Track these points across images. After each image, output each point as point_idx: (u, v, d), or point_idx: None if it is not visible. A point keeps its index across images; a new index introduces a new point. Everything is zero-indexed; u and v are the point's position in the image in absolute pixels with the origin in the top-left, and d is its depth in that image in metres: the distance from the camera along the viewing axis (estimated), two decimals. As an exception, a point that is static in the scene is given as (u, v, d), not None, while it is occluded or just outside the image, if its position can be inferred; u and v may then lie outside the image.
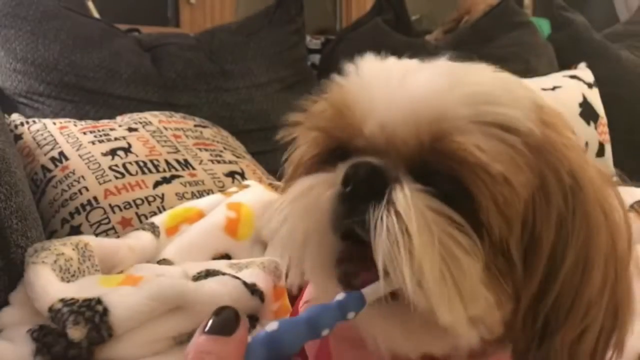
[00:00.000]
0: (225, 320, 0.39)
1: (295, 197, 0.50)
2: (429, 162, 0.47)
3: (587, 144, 2.02)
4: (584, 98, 2.11)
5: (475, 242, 0.45)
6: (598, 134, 2.08)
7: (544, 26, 2.68)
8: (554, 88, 2.07)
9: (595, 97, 2.15)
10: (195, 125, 1.63)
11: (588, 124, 2.07)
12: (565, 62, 2.37)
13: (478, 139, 0.45)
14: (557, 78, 2.17)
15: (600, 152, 2.07)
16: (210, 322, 0.40)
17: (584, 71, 2.23)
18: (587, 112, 2.09)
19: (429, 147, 0.47)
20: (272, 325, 0.40)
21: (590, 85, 2.17)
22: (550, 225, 0.46)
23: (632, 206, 1.09)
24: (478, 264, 0.44)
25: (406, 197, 0.45)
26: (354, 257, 0.47)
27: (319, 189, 0.48)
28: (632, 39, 2.62)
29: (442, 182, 0.46)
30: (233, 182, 1.46)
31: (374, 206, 0.45)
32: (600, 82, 2.20)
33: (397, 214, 0.44)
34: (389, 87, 0.49)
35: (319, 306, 0.42)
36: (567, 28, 2.51)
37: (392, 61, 0.53)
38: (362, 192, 0.46)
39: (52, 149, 1.40)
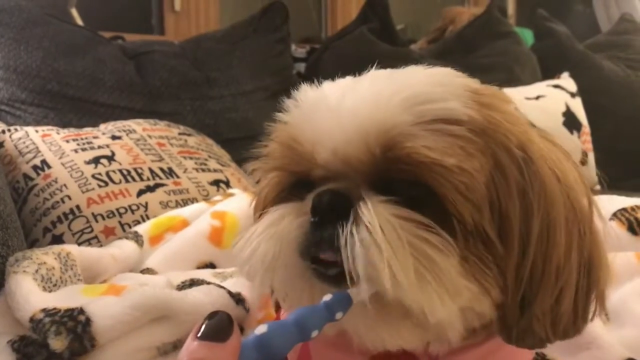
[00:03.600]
0: (219, 326, 0.39)
1: (266, 226, 0.51)
2: (387, 172, 0.49)
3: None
4: (567, 107, 2.13)
5: (447, 239, 0.46)
6: (581, 142, 2.10)
7: (527, 36, 2.71)
8: (537, 97, 2.09)
9: (578, 107, 2.17)
10: (179, 133, 1.62)
11: (571, 132, 2.09)
12: (548, 72, 2.39)
13: (425, 139, 0.47)
14: (541, 87, 2.19)
15: (584, 161, 2.09)
16: (204, 327, 0.39)
17: (567, 81, 2.25)
18: (571, 121, 2.11)
19: (382, 159, 0.48)
20: (261, 328, 0.40)
21: (573, 95, 2.19)
22: (513, 199, 0.48)
23: (614, 214, 1.09)
24: (453, 259, 0.46)
25: (370, 210, 0.46)
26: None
27: (289, 218, 0.50)
28: (614, 49, 2.65)
29: (404, 189, 0.48)
30: (218, 190, 1.45)
31: (342, 226, 0.46)
32: (583, 92, 2.22)
33: (366, 227, 0.45)
34: (329, 111, 0.50)
35: (307, 308, 0.43)
36: (550, 38, 2.54)
37: (327, 85, 0.55)
38: (331, 219, 0.47)
39: (34, 157, 1.38)
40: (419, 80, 0.51)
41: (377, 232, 0.45)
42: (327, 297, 0.43)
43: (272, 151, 0.56)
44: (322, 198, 0.48)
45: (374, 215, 0.46)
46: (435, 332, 0.49)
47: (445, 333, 0.49)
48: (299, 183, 0.54)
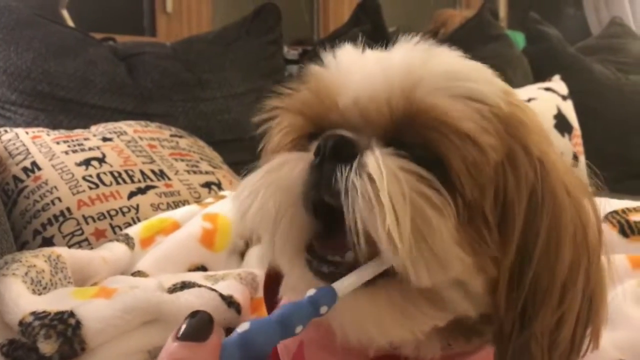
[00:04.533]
0: (199, 326, 0.39)
1: (266, 172, 0.50)
2: (402, 133, 0.48)
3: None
4: (559, 110, 2.14)
5: (447, 199, 0.45)
6: (572, 145, 2.11)
7: (518, 39, 2.72)
8: (529, 100, 2.09)
9: (569, 109, 2.18)
10: (171, 135, 1.62)
11: (562, 135, 2.10)
12: (539, 75, 2.40)
13: (449, 104, 0.47)
14: (532, 90, 2.20)
15: (574, 164, 2.09)
16: (184, 327, 0.39)
17: (558, 83, 2.26)
18: (562, 124, 2.12)
19: (401, 113, 0.48)
20: (243, 326, 0.40)
21: (564, 98, 2.20)
22: (521, 194, 0.48)
23: (606, 217, 1.10)
24: (449, 221, 0.45)
25: (377, 158, 0.45)
26: (326, 239, 0.47)
27: (290, 164, 0.49)
28: (604, 53, 2.66)
29: (414, 151, 0.47)
30: (209, 192, 1.45)
31: (342, 170, 0.45)
32: (574, 95, 2.23)
33: (369, 175, 0.44)
34: (364, 67, 0.51)
35: (291, 303, 0.42)
36: (542, 41, 2.55)
37: (369, 51, 0.55)
38: (333, 160, 0.46)
39: (24, 159, 1.37)
40: (455, 59, 0.52)
41: (380, 183, 0.44)
42: (311, 292, 0.42)
43: (298, 95, 0.55)
44: (328, 139, 0.47)
45: (381, 164, 0.45)
46: (424, 322, 0.48)
47: (432, 322, 0.48)
48: (312, 136, 0.52)
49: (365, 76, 0.49)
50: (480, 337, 0.52)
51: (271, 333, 0.40)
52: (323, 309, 0.42)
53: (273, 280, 0.60)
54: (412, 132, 0.48)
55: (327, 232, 0.48)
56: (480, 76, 0.50)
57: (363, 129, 0.49)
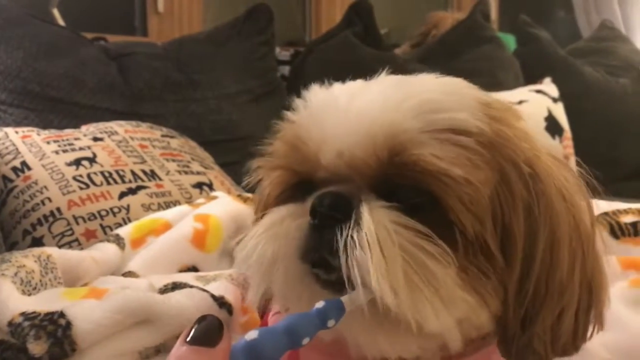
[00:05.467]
0: (209, 331, 0.38)
1: (267, 227, 0.50)
2: (392, 178, 0.48)
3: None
4: (549, 112, 2.15)
5: (445, 249, 0.45)
6: (563, 147, 2.12)
7: (509, 41, 2.73)
8: (520, 102, 2.10)
9: (560, 112, 2.19)
10: (162, 136, 1.61)
11: (553, 137, 2.11)
12: (530, 77, 2.41)
13: (434, 148, 0.47)
14: (523, 92, 2.21)
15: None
16: (193, 331, 0.38)
17: (549, 86, 2.28)
18: (552, 126, 2.13)
19: (388, 163, 0.48)
20: (251, 334, 0.39)
21: (555, 100, 2.21)
22: (518, 214, 0.48)
23: (596, 218, 1.10)
24: (451, 269, 0.45)
25: (369, 214, 0.46)
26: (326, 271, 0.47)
27: (289, 220, 0.49)
28: (594, 56, 2.68)
29: (407, 195, 0.48)
30: (201, 193, 1.44)
31: (341, 230, 0.46)
32: (564, 97, 2.24)
33: (364, 232, 0.45)
34: (338, 113, 0.50)
35: (298, 315, 0.42)
36: (533, 43, 2.56)
37: (337, 87, 0.54)
38: (330, 222, 0.47)
39: (14, 159, 1.37)
40: (430, 88, 0.51)
41: (371, 237, 0.44)
42: (320, 304, 0.42)
43: (277, 150, 0.55)
44: (322, 200, 0.47)
45: (371, 219, 0.45)
46: (435, 342, 0.48)
47: (445, 343, 0.48)
48: (301, 184, 0.53)
49: (343, 126, 0.49)
50: (482, 339, 0.52)
51: (278, 343, 0.40)
52: (330, 322, 0.42)
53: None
54: (402, 177, 0.48)
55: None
56: (457, 102, 0.49)
57: (351, 178, 0.49)
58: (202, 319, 0.39)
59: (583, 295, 0.50)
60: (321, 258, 0.47)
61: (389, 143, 0.47)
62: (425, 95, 0.49)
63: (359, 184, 0.49)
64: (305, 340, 0.41)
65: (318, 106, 0.52)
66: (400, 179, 0.48)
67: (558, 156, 0.55)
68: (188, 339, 0.38)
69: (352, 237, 0.45)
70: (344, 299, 0.44)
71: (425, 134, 0.47)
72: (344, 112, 0.50)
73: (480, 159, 0.47)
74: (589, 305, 0.51)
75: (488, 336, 0.51)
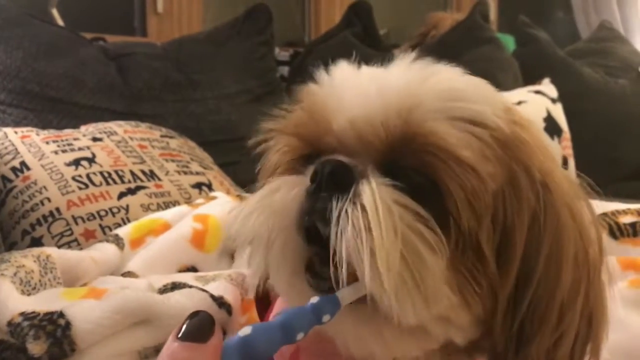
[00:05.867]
0: (200, 326, 0.38)
1: (261, 197, 0.49)
2: (399, 156, 0.47)
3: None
4: (548, 113, 2.15)
5: (441, 238, 0.44)
6: (562, 148, 2.12)
7: (508, 42, 2.73)
8: (519, 103, 2.10)
9: (558, 112, 2.19)
10: (161, 136, 1.61)
11: (552, 138, 2.11)
12: (529, 78, 2.41)
13: (447, 128, 0.45)
14: (522, 93, 2.21)
15: (564, 166, 2.11)
16: (185, 327, 0.38)
17: (548, 87, 2.28)
18: (551, 127, 2.13)
19: (398, 137, 0.47)
20: (245, 330, 0.39)
21: (554, 101, 2.21)
22: (522, 220, 0.47)
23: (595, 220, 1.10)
24: (441, 261, 0.44)
25: (372, 190, 0.44)
26: (321, 262, 0.46)
27: (286, 189, 0.48)
28: (593, 56, 2.68)
29: (411, 177, 0.46)
30: (200, 193, 1.44)
31: (337, 199, 0.44)
32: (563, 98, 2.24)
33: (362, 207, 0.44)
34: (359, 86, 0.49)
35: (293, 310, 0.42)
36: (532, 44, 2.56)
37: (365, 68, 0.53)
38: (329, 189, 0.45)
39: (13, 159, 1.36)
40: (454, 77, 0.50)
41: (373, 216, 0.43)
42: (315, 299, 0.42)
43: (293, 116, 0.53)
44: (325, 165, 0.46)
45: (376, 196, 0.44)
46: (417, 342, 0.47)
47: (432, 341, 0.47)
48: (309, 158, 0.51)
49: (361, 97, 0.48)
50: (483, 353, 0.51)
51: (273, 338, 0.40)
52: (325, 318, 0.42)
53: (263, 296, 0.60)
54: (410, 156, 0.46)
55: (322, 254, 0.46)
56: (480, 95, 0.48)
57: (359, 151, 0.48)
58: (193, 315, 0.39)
59: (583, 325, 0.49)
60: (312, 224, 0.45)
61: (403, 115, 0.46)
62: (449, 83, 0.48)
63: (365, 160, 0.48)
64: (300, 336, 0.41)
65: (341, 79, 0.51)
66: (405, 158, 0.46)
67: (570, 178, 0.53)
68: (179, 335, 0.38)
69: (347, 209, 0.44)
70: (339, 294, 0.43)
71: (441, 116, 0.46)
72: (365, 86, 0.49)
73: (491, 153, 0.46)
74: (587, 336, 0.49)
75: (480, 350, 0.50)
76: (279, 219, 0.47)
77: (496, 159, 0.46)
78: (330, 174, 0.46)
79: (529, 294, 0.47)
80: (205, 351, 0.37)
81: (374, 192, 0.44)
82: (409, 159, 0.46)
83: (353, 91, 0.49)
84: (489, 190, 0.45)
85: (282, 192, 0.48)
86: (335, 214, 0.44)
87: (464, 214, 0.45)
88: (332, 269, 0.43)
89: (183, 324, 0.38)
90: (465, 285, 0.45)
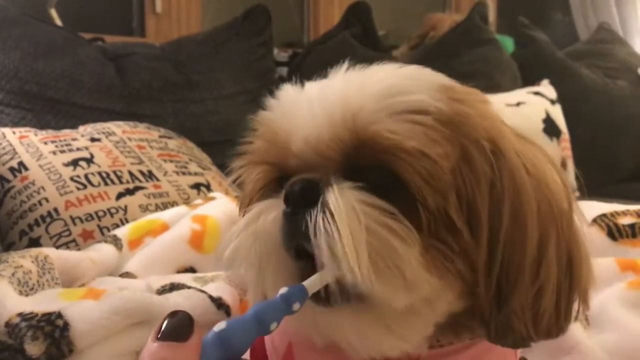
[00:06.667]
0: (179, 326, 0.39)
1: (245, 225, 0.51)
2: (357, 160, 0.49)
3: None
4: (547, 114, 2.16)
5: (409, 226, 0.46)
6: (561, 149, 2.13)
7: (507, 43, 2.73)
8: (518, 104, 2.10)
9: (557, 113, 2.19)
10: (160, 136, 1.61)
11: (551, 139, 2.11)
12: (528, 79, 2.42)
13: (389, 125, 0.48)
14: (521, 94, 2.21)
15: (563, 167, 2.11)
16: (164, 327, 0.39)
17: (546, 88, 2.28)
18: (550, 128, 2.13)
19: (349, 145, 0.49)
20: (220, 325, 0.40)
21: (553, 102, 2.22)
22: (481, 190, 0.49)
23: (594, 220, 1.11)
24: (414, 248, 0.46)
25: (336, 196, 0.47)
26: (312, 273, 0.48)
27: (266, 214, 0.50)
28: (592, 58, 2.69)
29: (373, 176, 0.49)
30: (198, 194, 1.44)
31: (310, 215, 0.47)
32: (562, 99, 2.25)
33: (330, 213, 0.46)
34: (304, 104, 0.52)
35: (264, 302, 0.43)
36: (531, 46, 2.57)
37: (307, 84, 0.56)
38: (302, 206, 0.48)
39: (11, 159, 1.36)
40: (390, 74, 0.52)
41: (339, 217, 0.45)
42: (283, 290, 0.43)
43: (255, 147, 0.56)
44: (293, 187, 0.49)
45: (336, 199, 0.46)
46: (410, 335, 0.49)
47: (428, 324, 0.49)
48: (280, 179, 0.54)
49: (309, 115, 0.51)
50: (470, 333, 0.52)
51: (248, 330, 0.41)
52: (296, 306, 0.43)
53: None
54: (366, 157, 0.49)
55: (312, 265, 0.49)
56: (416, 85, 0.50)
57: (321, 165, 0.51)
58: (172, 314, 0.40)
59: (562, 273, 0.50)
60: (298, 245, 0.48)
61: (349, 125, 0.49)
62: (385, 81, 0.50)
63: (328, 170, 0.50)
64: (274, 326, 0.42)
65: (288, 100, 0.54)
66: (364, 161, 0.49)
67: (531, 140, 0.55)
68: (159, 335, 0.38)
69: (318, 221, 0.46)
70: (307, 282, 0.45)
71: (383, 114, 0.48)
72: (310, 102, 0.51)
73: (438, 135, 0.48)
74: (570, 283, 0.51)
75: (474, 327, 0.52)
76: (265, 244, 0.49)
77: (445, 139, 0.48)
78: (299, 193, 0.48)
79: (499, 253, 0.48)
80: (185, 350, 0.38)
81: (337, 198, 0.47)
82: (367, 160, 0.49)
83: (300, 111, 0.52)
84: (445, 169, 0.48)
85: (263, 217, 0.50)
86: (312, 229, 0.46)
87: (428, 196, 0.47)
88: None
89: (162, 324, 0.39)
90: (442, 265, 0.47)
